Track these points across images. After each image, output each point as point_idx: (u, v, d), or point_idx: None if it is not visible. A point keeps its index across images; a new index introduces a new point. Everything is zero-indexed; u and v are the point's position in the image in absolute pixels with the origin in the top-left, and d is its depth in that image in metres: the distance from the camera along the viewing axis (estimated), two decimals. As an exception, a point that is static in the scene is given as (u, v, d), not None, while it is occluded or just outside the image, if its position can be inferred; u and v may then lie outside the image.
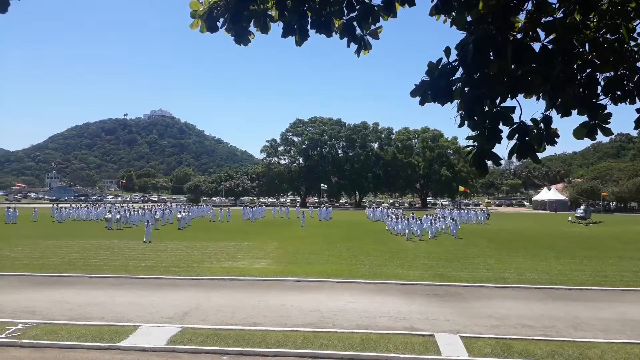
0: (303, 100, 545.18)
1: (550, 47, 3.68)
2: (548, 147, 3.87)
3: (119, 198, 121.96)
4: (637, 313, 14.43)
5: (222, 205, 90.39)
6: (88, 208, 57.34)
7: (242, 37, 4.22)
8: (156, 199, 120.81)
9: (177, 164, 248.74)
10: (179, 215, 43.27)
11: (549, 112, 3.83)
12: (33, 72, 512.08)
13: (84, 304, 14.97)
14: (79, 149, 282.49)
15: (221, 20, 4.13)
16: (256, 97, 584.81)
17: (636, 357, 10.64)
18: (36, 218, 49.25)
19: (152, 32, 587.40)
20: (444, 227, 39.06)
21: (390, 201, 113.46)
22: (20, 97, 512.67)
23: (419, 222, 35.22)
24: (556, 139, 3.69)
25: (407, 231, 34.21)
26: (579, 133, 3.72)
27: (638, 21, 3.69)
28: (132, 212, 46.57)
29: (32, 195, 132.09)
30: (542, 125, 3.78)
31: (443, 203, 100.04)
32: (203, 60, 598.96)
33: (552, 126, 3.79)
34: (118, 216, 41.90)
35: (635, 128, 3.83)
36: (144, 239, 30.89)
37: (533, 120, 3.80)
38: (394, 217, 40.89)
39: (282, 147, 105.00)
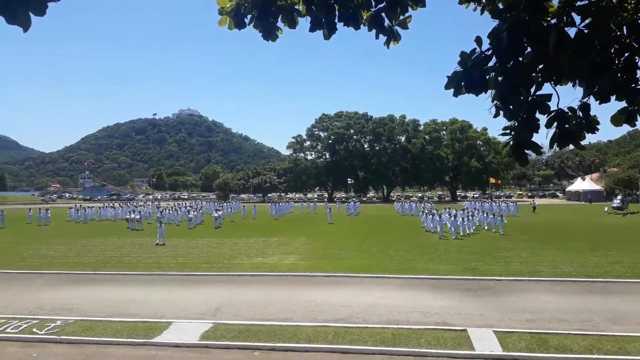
0: (329, 95, 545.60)
1: (586, 31, 3.52)
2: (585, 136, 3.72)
3: (141, 196, 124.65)
4: (680, 306, 13.87)
5: (250, 201, 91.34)
6: (115, 208, 57.40)
7: (270, 33, 4.18)
8: (186, 197, 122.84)
9: (205, 162, 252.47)
10: (215, 214, 42.39)
11: (586, 99, 3.67)
12: (64, 77, 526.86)
13: (119, 301, 15.33)
14: (110, 149, 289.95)
15: (249, 16, 4.10)
16: (282, 93, 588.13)
17: (681, 353, 10.23)
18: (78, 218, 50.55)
19: (179, 31, 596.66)
20: (485, 221, 36.17)
21: (419, 195, 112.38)
22: (53, 101, 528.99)
23: (452, 218, 31.87)
24: (597, 127, 3.53)
25: (439, 229, 31.51)
26: (617, 120, 3.55)
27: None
28: (165, 211, 47.13)
29: (67, 195, 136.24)
30: (580, 113, 3.62)
31: (474, 195, 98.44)
32: (229, 58, 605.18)
33: (591, 113, 3.63)
34: (138, 216, 41.28)
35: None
36: (157, 241, 29.09)
37: (570, 108, 3.65)
38: (427, 212, 38.04)
39: (308, 143, 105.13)
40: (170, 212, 48.11)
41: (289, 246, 27.63)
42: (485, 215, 36.82)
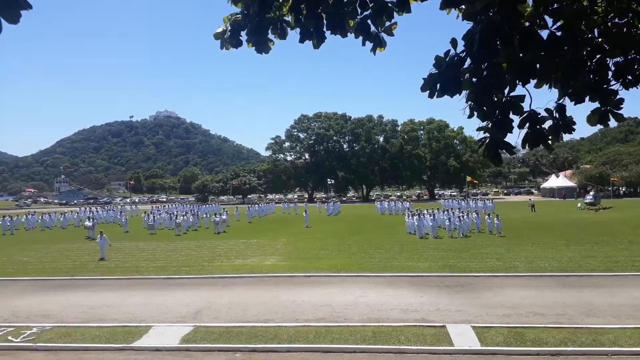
0: (308, 97, 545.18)
1: (558, 34, 3.63)
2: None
3: (118, 200, 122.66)
4: (650, 298, 14.33)
5: (230, 203, 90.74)
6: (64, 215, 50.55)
7: (263, 46, 4.25)
8: (164, 200, 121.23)
9: (184, 164, 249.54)
10: (216, 219, 38.14)
11: (562, 100, 3.79)
12: (38, 78, 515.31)
13: (97, 306, 15.10)
14: (86, 153, 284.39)
15: (243, 34, 4.19)
16: (261, 95, 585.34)
17: (651, 343, 10.59)
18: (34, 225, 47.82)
19: (156, 32, 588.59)
20: (477, 223, 33.32)
21: (398, 194, 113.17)
22: (27, 104, 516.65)
23: (432, 218, 31.53)
24: (573, 127, 3.65)
25: (426, 229, 30.83)
26: (591, 120, 3.69)
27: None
28: (156, 216, 42.78)
29: (42, 199, 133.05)
30: (556, 114, 3.74)
31: (451, 194, 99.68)
32: (206, 59, 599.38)
33: (567, 114, 3.75)
34: (91, 223, 36.27)
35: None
36: (101, 256, 24.64)
37: (547, 110, 3.76)
38: (411, 214, 34.88)
39: (287, 144, 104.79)
40: (161, 216, 44.17)
41: (269, 247, 27.57)
42: (477, 215, 34.81)
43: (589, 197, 57.42)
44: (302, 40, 4.18)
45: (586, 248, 24.17)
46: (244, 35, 4.17)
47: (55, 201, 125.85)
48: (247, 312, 14.01)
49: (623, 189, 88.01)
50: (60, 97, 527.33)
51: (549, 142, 3.65)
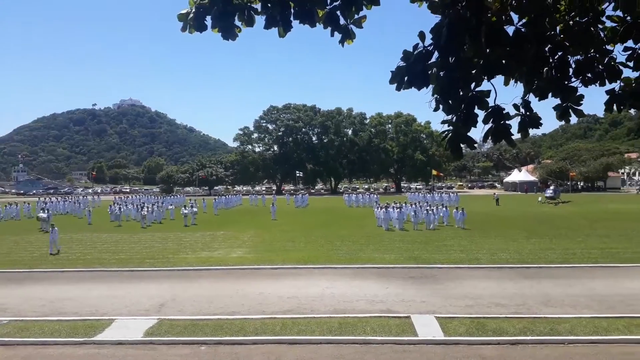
0: (277, 88, 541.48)
1: (523, 30, 3.69)
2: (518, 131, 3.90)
3: (80, 190, 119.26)
4: (604, 289, 14.95)
5: (196, 195, 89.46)
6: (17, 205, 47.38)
7: (229, 33, 4.14)
8: (128, 190, 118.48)
9: (148, 154, 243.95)
10: (185, 211, 36.86)
11: (527, 96, 3.85)
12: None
13: (56, 299, 14.66)
14: (46, 141, 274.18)
15: (208, 18, 4.07)
16: (229, 84, 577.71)
17: (604, 330, 11.06)
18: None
19: (120, 18, 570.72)
20: (445, 216, 33.31)
21: (366, 186, 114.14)
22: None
23: (399, 211, 31.95)
24: (540, 122, 3.72)
25: (391, 221, 31.40)
26: (556, 115, 3.77)
27: (606, 4, 3.73)
28: (122, 207, 40.95)
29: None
30: (523, 110, 3.80)
31: (417, 187, 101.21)
32: (173, 47, 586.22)
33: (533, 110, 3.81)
34: (45, 215, 34.21)
35: (606, 110, 3.91)
36: (50, 250, 23.12)
37: (515, 105, 3.82)
38: (381, 206, 34.45)
39: (255, 135, 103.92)
40: (127, 207, 42.79)
41: (236, 240, 27.35)
42: (445, 209, 34.13)
43: (549, 192, 59.46)
44: (267, 27, 4.11)
45: (545, 241, 24.99)
46: (209, 20, 4.07)
47: (13, 191, 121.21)
48: (213, 304, 13.87)
49: (581, 184, 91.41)
50: (19, 83, 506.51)
51: (513, 137, 3.72)
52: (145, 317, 12.60)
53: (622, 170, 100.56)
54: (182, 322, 12.16)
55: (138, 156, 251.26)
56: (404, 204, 36.13)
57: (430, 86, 3.87)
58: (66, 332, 11.47)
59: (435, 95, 3.91)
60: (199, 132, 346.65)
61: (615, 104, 3.88)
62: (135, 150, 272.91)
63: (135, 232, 31.57)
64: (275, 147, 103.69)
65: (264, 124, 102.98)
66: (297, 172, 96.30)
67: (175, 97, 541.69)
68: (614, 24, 3.73)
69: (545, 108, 3.84)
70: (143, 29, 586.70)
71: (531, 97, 3.82)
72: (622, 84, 3.79)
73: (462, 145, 3.96)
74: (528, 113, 3.74)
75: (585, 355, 9.86)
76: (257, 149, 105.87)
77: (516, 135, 3.87)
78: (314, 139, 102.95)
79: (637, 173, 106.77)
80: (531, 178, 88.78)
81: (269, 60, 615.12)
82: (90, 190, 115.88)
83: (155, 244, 25.82)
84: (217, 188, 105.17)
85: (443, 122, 3.88)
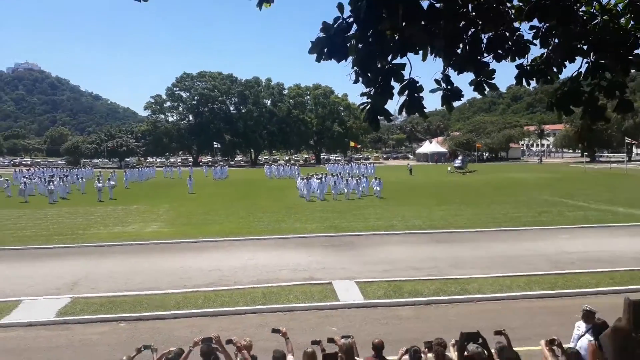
0: (191, 55, 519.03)
1: (437, 5, 3.84)
2: (431, 105, 4.13)
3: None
4: (507, 250, 16.40)
5: (105, 167, 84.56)
6: None
7: None
8: (29, 163, 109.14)
9: (50, 124, 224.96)
10: (99, 185, 34.40)
11: (446, 70, 4.04)
12: None
13: (-50, 283, 13.40)
14: None
15: None
16: (138, 49, 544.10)
17: (507, 288, 12.22)
18: None
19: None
20: (365, 187, 34.34)
21: (286, 158, 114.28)
22: None
23: (319, 182, 32.55)
24: (461, 95, 3.94)
25: (317, 192, 32.09)
26: (472, 89, 4.03)
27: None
28: (27, 182, 36.13)
29: None
30: (444, 84, 3.99)
31: (336, 158, 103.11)
32: (76, 5, 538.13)
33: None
34: None
35: (517, 84, 4.26)
36: None
37: (436, 80, 4.00)
38: (302, 178, 35.22)
39: (168, 104, 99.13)
40: (33, 182, 39.39)
41: (150, 214, 26.40)
42: (376, 180, 34.30)
43: (457, 162, 63.24)
44: None
45: (454, 207, 26.73)
46: None
47: None
48: (130, 281, 13.42)
49: (486, 154, 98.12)
50: None
51: (432, 107, 3.93)
52: (56, 297, 11.94)
53: (522, 142, 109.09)
54: (97, 299, 11.69)
55: (39, 126, 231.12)
56: (324, 175, 36.77)
57: (350, 58, 3.95)
58: (-35, 318, 10.60)
59: (355, 68, 4.00)
60: (106, 100, 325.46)
61: (524, 78, 4.22)
62: (36, 119, 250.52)
63: (41, 207, 29.37)
64: (190, 117, 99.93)
65: (177, 92, 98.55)
66: (214, 143, 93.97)
67: (78, 61, 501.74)
68: (520, 4, 4.02)
69: (458, 82, 4.10)
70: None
71: (450, 72, 4.04)
72: (531, 60, 4.12)
73: (379, 117, 4.11)
74: (449, 87, 3.95)
75: (492, 311, 10.84)
76: (170, 119, 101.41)
77: (430, 107, 4.08)
78: (231, 108, 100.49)
79: (534, 144, 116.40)
80: (441, 149, 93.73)
81: (183, 24, 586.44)
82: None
83: (63, 220, 24.24)
84: (128, 160, 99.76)
85: (362, 94, 3.99)
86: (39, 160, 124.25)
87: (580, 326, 6.68)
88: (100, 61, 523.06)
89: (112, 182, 36.64)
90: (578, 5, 4.05)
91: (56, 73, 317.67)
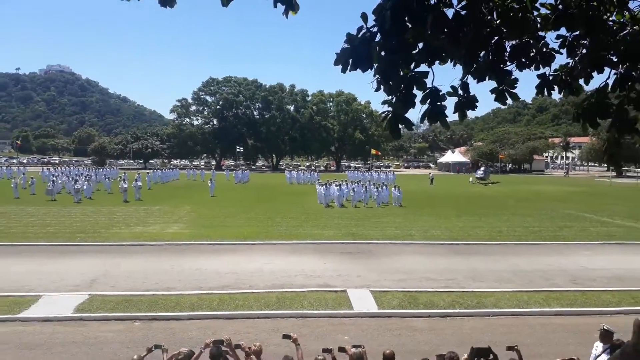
0: (217, 60, 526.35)
1: (462, 13, 3.79)
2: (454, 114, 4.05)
3: (3, 160, 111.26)
4: (526, 264, 16.04)
5: (130, 168, 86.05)
6: None
7: None
8: (57, 162, 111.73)
9: (79, 124, 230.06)
10: (125, 185, 34.58)
11: (465, 78, 3.98)
12: None
13: (-25, 276, 13.74)
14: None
15: None
16: (166, 53, 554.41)
17: (524, 303, 11.93)
18: None
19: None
20: (386, 195, 33.62)
21: (307, 164, 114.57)
22: None
23: (338, 188, 32.21)
24: (476, 104, 3.87)
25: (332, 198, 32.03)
26: (494, 97, 3.95)
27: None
28: (56, 181, 37.54)
29: None
30: (461, 91, 3.92)
31: (356, 166, 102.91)
32: (105, 11, 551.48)
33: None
34: None
35: (537, 93, 4.15)
36: None
37: (453, 87, 3.93)
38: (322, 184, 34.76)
39: (194, 107, 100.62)
40: (62, 180, 39.99)
41: (172, 215, 26.71)
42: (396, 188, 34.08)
43: (479, 172, 62.43)
44: None
45: (475, 219, 26.34)
46: None
47: None
48: (148, 280, 13.56)
49: (509, 166, 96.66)
50: None
51: (452, 116, 3.86)
52: (75, 293, 12.12)
53: (546, 154, 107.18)
54: (114, 297, 11.82)
55: (68, 126, 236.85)
56: (343, 182, 36.67)
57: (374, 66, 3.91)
58: (-13, 310, 10.84)
59: (377, 76, 3.96)
60: (134, 103, 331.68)
61: (545, 88, 4.11)
62: (65, 119, 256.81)
63: (66, 205, 30.00)
64: (215, 121, 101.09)
65: (203, 96, 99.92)
66: (237, 147, 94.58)
67: (107, 64, 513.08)
68: (547, 12, 3.93)
69: (481, 91, 4.01)
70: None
71: (469, 80, 3.97)
72: (554, 69, 4.02)
73: (400, 126, 4.05)
74: (465, 94, 3.88)
75: (507, 326, 10.59)
76: (195, 122, 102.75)
77: (451, 118, 4.01)
78: (255, 114, 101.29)
79: (559, 157, 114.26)
80: (463, 159, 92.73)
81: (209, 30, 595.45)
82: (15, 161, 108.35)
83: (86, 218, 24.70)
84: (152, 162, 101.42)
85: (384, 102, 3.95)
86: (67, 159, 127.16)
87: (598, 346, 6.47)
88: (129, 64, 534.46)
89: (139, 183, 36.75)
90: (608, 14, 3.94)
91: (86, 75, 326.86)
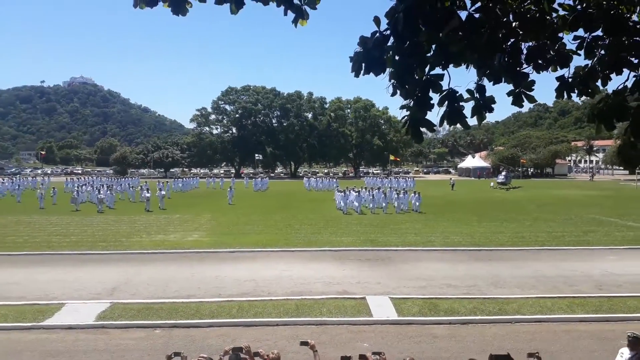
0: (235, 69, 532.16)
1: (476, 15, 3.74)
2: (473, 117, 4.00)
3: (28, 171, 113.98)
4: (549, 270, 15.71)
5: (151, 177, 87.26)
6: None
7: (179, 7, 3.98)
8: (80, 172, 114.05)
9: (101, 135, 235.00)
10: (147, 195, 34.94)
11: (481, 80, 3.93)
12: None
13: (2, 284, 14.05)
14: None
15: None
16: (185, 64, 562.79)
17: (548, 310, 11.67)
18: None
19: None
20: (405, 201, 33.31)
21: (325, 171, 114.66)
22: None
23: (357, 195, 32.60)
24: (492, 107, 3.81)
25: (355, 205, 31.99)
26: (511, 100, 3.89)
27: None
28: (80, 191, 38.18)
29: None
30: (477, 94, 3.87)
31: (374, 172, 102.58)
32: (126, 23, 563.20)
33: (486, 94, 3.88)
34: None
35: (557, 96, 4.07)
36: None
37: (468, 91, 3.89)
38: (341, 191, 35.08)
39: (213, 116, 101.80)
40: (86, 190, 40.71)
41: (192, 223, 26.96)
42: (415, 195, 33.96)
43: (500, 177, 61.63)
44: (218, 2, 4.01)
45: (496, 224, 25.95)
46: None
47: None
48: (168, 288, 13.68)
49: (531, 170, 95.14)
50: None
51: (470, 119, 3.81)
52: (97, 301, 12.29)
53: (569, 158, 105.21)
54: (135, 305, 11.94)
55: (90, 136, 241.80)
56: (362, 189, 36.63)
57: (388, 70, 3.89)
58: (13, 317, 11.06)
59: (393, 81, 3.94)
60: (154, 113, 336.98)
61: (565, 90, 4.03)
62: (88, 130, 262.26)
63: (88, 215, 30.54)
64: (234, 130, 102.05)
65: (222, 105, 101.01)
66: (256, 155, 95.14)
67: (129, 76, 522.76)
68: (564, 12, 3.85)
69: (500, 95, 3.95)
70: (94, 4, 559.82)
71: (485, 82, 3.91)
72: (572, 71, 3.94)
73: (421, 129, 4.01)
74: (481, 97, 3.83)
75: (530, 333, 10.36)
76: (214, 131, 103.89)
77: (472, 121, 3.95)
78: (273, 122, 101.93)
79: (582, 160, 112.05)
80: (484, 164, 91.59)
81: (228, 41, 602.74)
82: (39, 171, 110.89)
83: (108, 227, 25.09)
84: (172, 170, 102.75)
85: (402, 107, 3.92)
86: (89, 169, 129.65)
87: (624, 353, 6.28)
88: (150, 75, 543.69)
89: (163, 192, 37.04)
90: (628, 14, 3.85)
91: (108, 86, 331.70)
